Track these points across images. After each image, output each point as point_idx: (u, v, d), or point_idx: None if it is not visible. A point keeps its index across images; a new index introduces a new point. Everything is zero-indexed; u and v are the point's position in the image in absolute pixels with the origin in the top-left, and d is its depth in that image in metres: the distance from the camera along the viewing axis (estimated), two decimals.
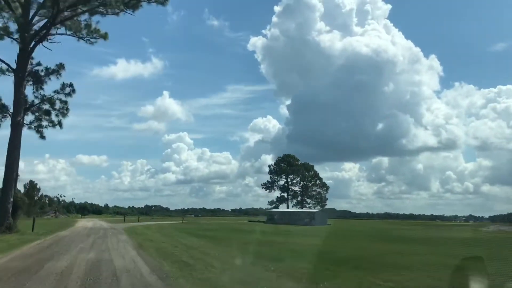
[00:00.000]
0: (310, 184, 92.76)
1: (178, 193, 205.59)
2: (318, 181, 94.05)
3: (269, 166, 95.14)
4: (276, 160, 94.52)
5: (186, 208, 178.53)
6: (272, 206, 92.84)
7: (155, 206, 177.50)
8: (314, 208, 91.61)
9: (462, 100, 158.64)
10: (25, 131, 28.10)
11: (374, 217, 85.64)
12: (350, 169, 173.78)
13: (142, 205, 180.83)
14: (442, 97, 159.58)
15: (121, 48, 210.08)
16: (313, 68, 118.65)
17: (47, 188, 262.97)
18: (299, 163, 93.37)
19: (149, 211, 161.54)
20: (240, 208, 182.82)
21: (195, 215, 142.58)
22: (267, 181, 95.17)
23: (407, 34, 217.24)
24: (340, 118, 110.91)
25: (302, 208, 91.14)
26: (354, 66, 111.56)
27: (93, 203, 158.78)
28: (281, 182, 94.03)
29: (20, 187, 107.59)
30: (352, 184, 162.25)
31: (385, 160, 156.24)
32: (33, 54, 27.84)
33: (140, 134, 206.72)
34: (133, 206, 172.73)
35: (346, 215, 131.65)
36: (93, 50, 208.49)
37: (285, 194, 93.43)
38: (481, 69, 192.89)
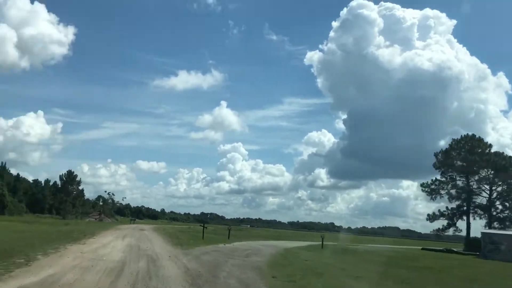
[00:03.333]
0: None
1: (231, 202, 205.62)
2: None
3: (436, 155, 55.18)
4: (449, 146, 54.98)
5: (240, 217, 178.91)
6: (444, 225, 53.85)
7: (211, 214, 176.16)
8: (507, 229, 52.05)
9: None
10: None
11: (443, 238, 63.94)
12: (408, 187, 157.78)
13: (196, 212, 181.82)
14: (509, 116, 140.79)
15: (183, 60, 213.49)
16: (371, 82, 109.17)
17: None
18: (489, 151, 53.98)
19: (205, 219, 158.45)
20: (298, 221, 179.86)
21: (251, 226, 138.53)
22: (431, 180, 55.05)
23: (473, 51, 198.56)
24: (399, 134, 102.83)
25: (490, 228, 51.99)
26: (415, 81, 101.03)
27: (150, 207, 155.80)
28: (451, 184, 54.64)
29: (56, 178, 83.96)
30: (409, 202, 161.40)
31: None
32: None
33: (197, 143, 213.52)
34: (188, 213, 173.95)
35: (410, 234, 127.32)
36: (155, 61, 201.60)
37: (465, 204, 53.77)
38: None
